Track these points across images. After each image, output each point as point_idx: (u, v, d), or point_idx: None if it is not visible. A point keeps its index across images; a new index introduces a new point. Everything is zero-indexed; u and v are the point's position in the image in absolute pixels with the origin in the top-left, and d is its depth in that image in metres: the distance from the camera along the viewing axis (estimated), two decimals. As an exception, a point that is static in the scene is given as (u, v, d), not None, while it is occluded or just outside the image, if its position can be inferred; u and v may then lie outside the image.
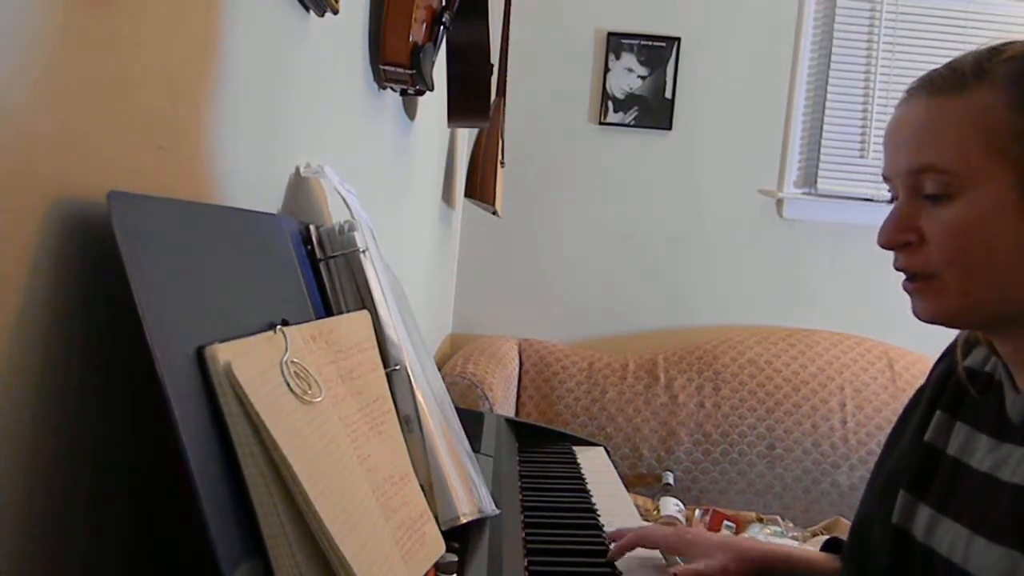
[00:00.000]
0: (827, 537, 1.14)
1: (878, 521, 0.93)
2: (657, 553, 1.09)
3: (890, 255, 0.86)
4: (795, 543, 2.34)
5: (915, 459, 0.92)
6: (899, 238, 0.83)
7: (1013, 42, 0.81)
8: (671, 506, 2.53)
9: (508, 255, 3.20)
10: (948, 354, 0.98)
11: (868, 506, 0.97)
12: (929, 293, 0.82)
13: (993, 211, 0.78)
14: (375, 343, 0.88)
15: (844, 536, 1.10)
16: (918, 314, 0.84)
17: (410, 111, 1.88)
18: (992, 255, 0.78)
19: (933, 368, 1.00)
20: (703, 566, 1.01)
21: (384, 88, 1.55)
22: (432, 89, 1.55)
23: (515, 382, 2.91)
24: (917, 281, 0.83)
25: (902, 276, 0.85)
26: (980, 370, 0.91)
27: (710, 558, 1.02)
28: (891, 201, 0.86)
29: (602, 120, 3.16)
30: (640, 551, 1.07)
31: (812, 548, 2.24)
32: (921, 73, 0.85)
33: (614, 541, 1.08)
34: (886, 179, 0.86)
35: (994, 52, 0.80)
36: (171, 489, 0.61)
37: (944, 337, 1.00)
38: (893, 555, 0.90)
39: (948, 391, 0.93)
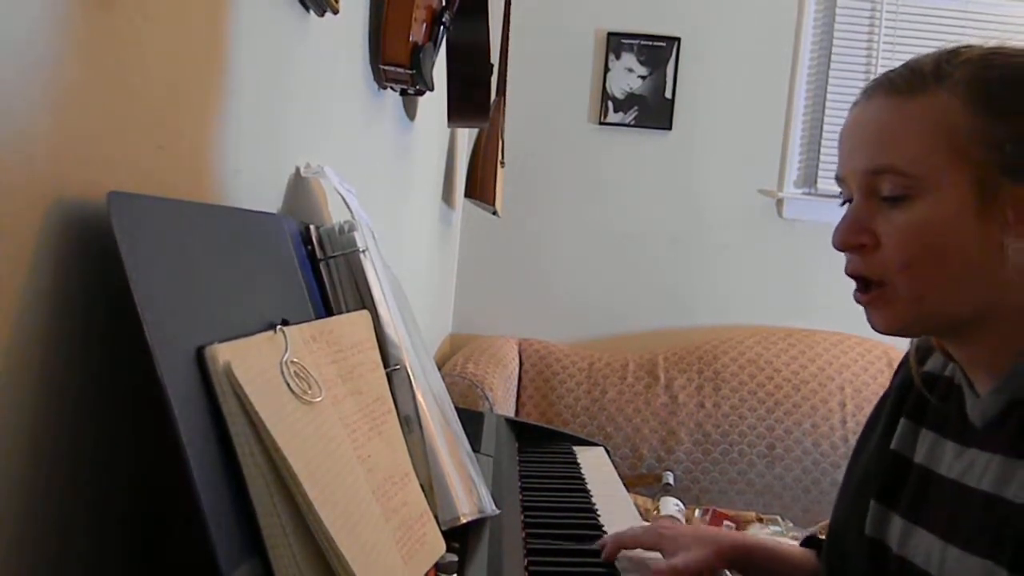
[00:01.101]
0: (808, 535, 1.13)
1: (852, 531, 0.92)
2: (657, 554, 1.08)
3: None
4: (795, 543, 2.33)
5: (883, 468, 0.91)
6: (854, 240, 0.82)
7: (972, 45, 0.81)
8: (671, 506, 2.53)
9: (508, 255, 3.20)
10: (907, 360, 0.97)
11: (841, 515, 0.96)
12: (882, 303, 0.82)
13: (950, 214, 0.77)
14: (375, 343, 0.88)
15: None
16: (874, 326, 0.84)
17: (410, 111, 1.88)
18: (947, 258, 0.78)
19: (895, 375, 0.99)
20: (680, 561, 1.00)
21: (384, 88, 1.55)
22: (432, 89, 1.55)
23: (515, 382, 2.91)
24: (870, 291, 0.82)
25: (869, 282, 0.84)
26: (940, 374, 0.90)
27: (687, 551, 1.01)
28: (844, 203, 0.85)
29: (602, 120, 3.16)
30: (640, 551, 1.07)
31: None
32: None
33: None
34: (840, 180, 0.85)
35: (953, 54, 0.80)
36: (171, 489, 0.61)
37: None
38: (870, 565, 0.89)
39: (911, 398, 0.93)
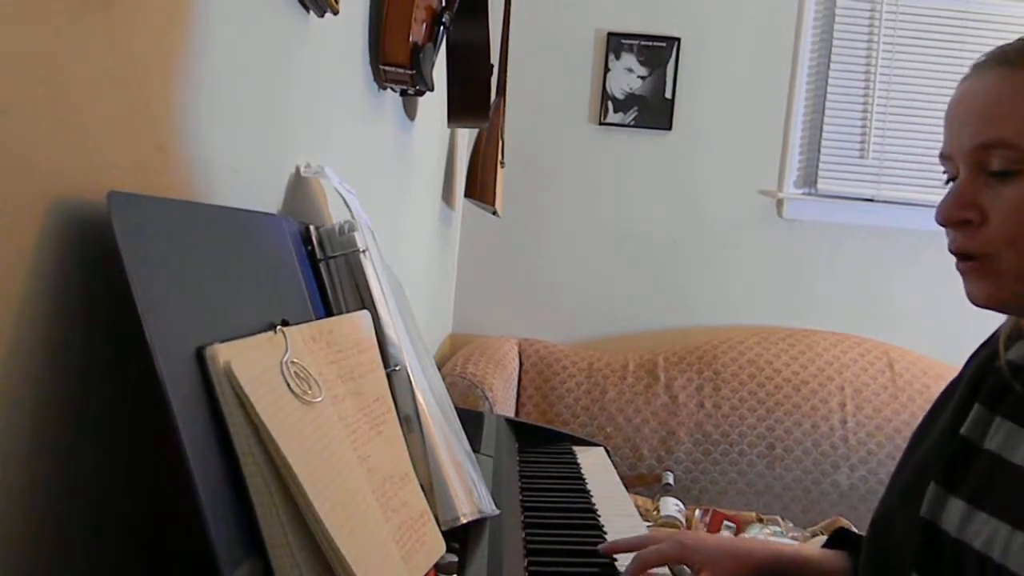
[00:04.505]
0: (828, 535, 1.11)
1: (903, 514, 0.90)
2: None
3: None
4: (795, 543, 2.33)
5: (947, 451, 0.89)
6: (960, 215, 0.79)
7: None
8: (671, 506, 2.53)
9: (508, 255, 3.20)
10: (986, 347, 0.95)
11: (892, 498, 0.94)
12: (985, 274, 0.79)
13: None
14: (375, 343, 0.88)
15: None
16: (972, 297, 0.81)
17: (410, 111, 1.88)
18: None
19: (968, 361, 0.97)
20: None
21: (384, 88, 1.55)
22: (432, 89, 1.55)
23: (515, 382, 2.91)
24: (972, 261, 0.80)
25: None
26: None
27: (716, 565, 0.98)
28: (947, 182, 0.82)
29: (602, 120, 3.16)
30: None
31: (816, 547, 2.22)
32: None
33: (609, 554, 1.04)
34: (945, 158, 0.83)
35: None
36: (171, 489, 0.61)
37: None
38: (921, 547, 0.87)
39: (987, 385, 0.90)
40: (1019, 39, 0.80)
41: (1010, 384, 0.87)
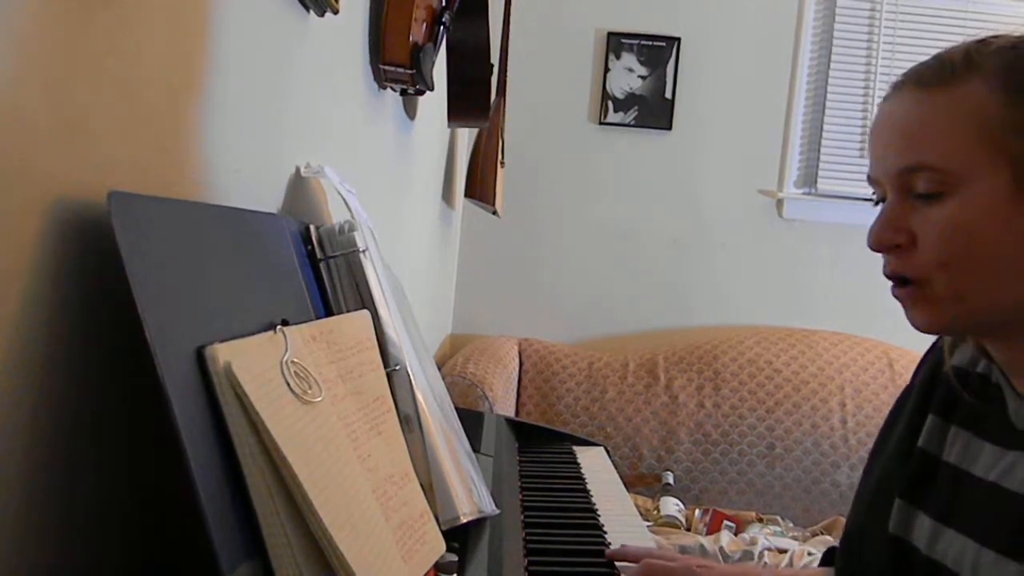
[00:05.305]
0: (826, 545, 1.11)
1: (872, 530, 0.89)
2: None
3: None
4: (795, 543, 2.33)
5: (908, 465, 0.89)
6: (889, 239, 0.79)
7: (1000, 34, 0.78)
8: (671, 506, 2.53)
9: (508, 255, 3.20)
10: (932, 353, 0.94)
11: (859, 515, 0.93)
12: (921, 301, 0.79)
13: (988, 208, 0.74)
14: (375, 343, 0.88)
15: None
16: (913, 323, 0.81)
17: (410, 111, 1.88)
18: (987, 255, 0.75)
19: (917, 369, 0.96)
20: None
21: (384, 88, 1.55)
22: (432, 89, 1.55)
23: (515, 382, 2.91)
24: (908, 287, 0.80)
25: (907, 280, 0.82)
26: (971, 371, 0.87)
27: None
28: (877, 204, 0.83)
29: (602, 120, 3.16)
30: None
31: (812, 548, 2.23)
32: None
33: (615, 559, 1.04)
34: (873, 181, 0.83)
35: (983, 44, 0.77)
36: (171, 489, 0.61)
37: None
38: (892, 564, 0.86)
39: (938, 394, 0.90)
40: (934, 57, 0.80)
41: (959, 391, 0.86)
